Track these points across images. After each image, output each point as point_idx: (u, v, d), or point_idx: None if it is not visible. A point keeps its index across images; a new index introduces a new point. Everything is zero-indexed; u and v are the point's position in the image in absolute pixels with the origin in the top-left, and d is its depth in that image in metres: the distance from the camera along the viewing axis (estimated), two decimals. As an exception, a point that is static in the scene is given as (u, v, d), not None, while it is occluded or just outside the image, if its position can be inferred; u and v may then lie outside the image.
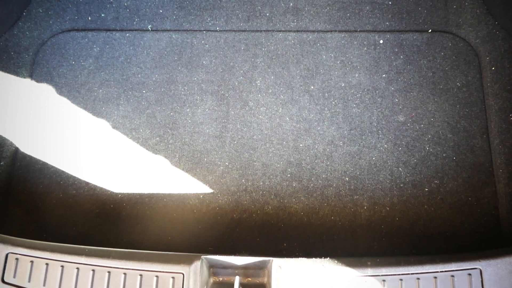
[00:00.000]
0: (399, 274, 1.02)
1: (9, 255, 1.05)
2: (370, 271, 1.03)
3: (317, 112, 1.42)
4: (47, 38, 1.53)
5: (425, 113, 1.41)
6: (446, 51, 1.48)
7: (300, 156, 1.37)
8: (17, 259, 1.05)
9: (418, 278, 1.02)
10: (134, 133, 1.42)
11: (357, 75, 1.46)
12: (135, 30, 1.53)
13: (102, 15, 1.56)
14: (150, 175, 1.37)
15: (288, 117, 1.42)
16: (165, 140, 1.41)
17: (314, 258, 1.06)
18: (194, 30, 1.53)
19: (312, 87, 1.45)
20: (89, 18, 1.56)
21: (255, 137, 1.40)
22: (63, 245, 1.09)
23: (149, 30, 1.53)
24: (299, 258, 1.07)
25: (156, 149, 1.40)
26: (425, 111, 1.41)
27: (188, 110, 1.44)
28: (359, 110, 1.42)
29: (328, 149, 1.38)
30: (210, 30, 1.53)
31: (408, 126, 1.39)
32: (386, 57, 1.48)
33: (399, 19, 1.52)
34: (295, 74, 1.47)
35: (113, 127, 1.43)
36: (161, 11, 1.56)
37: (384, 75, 1.45)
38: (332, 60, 1.48)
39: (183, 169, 1.37)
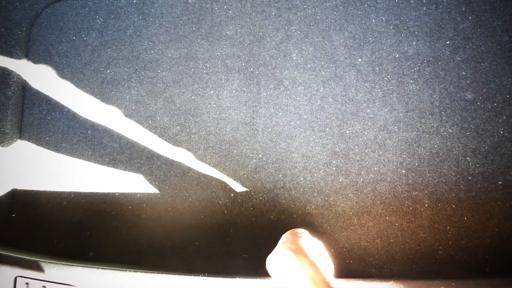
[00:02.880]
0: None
1: (18, 279, 0.91)
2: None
3: (366, 91, 1.18)
4: (41, 9, 1.29)
5: (499, 89, 1.15)
6: (526, 8, 1.19)
7: (347, 145, 1.16)
8: (27, 283, 0.91)
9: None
10: (150, 121, 1.22)
11: (414, 43, 1.19)
12: (144, -5, 1.28)
13: (103, -23, 1.30)
14: (171, 171, 1.19)
15: (332, 98, 1.18)
16: (187, 129, 1.21)
17: (374, 281, 0.90)
18: (214, -7, 1.26)
19: (360, 59, 1.20)
20: (88, -18, 1.31)
21: (292, 123, 1.18)
22: (73, 265, 0.94)
23: (160, -6, 1.27)
24: (355, 280, 0.91)
25: (177, 140, 1.20)
26: (499, 85, 1.15)
27: (211, 92, 1.22)
28: (417, 87, 1.17)
29: (380, 136, 1.15)
30: (234, -8, 1.26)
31: (478, 105, 1.15)
32: (451, 18, 1.20)
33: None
34: (338, 44, 1.21)
35: (126, 115, 1.23)
36: (172, -31, 1.28)
37: (448, 42, 1.18)
38: (384, 25, 1.21)
39: (209, 164, 1.18)
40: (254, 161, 1.17)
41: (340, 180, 1.15)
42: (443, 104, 1.16)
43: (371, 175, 1.14)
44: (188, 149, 1.20)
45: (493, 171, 1.11)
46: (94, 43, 1.27)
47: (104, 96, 1.24)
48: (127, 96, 1.24)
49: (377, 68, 1.19)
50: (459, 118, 1.15)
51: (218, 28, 1.25)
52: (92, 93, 1.24)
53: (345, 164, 1.15)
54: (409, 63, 1.18)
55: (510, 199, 1.10)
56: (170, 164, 1.19)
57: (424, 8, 1.21)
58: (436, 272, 1.05)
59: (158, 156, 1.20)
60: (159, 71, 1.24)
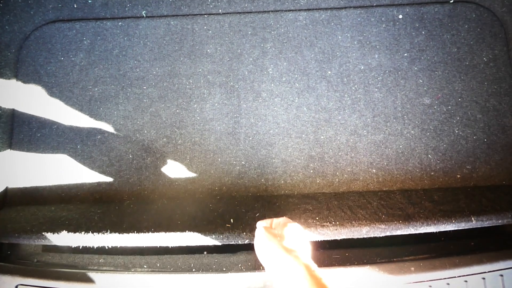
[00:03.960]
0: (445, 278, 0.95)
1: (19, 287, 0.95)
2: (415, 277, 0.96)
3: (336, 100, 1.30)
4: (29, 32, 1.36)
5: (452, 93, 1.31)
6: (470, 23, 1.36)
7: (322, 149, 1.27)
8: (27, 292, 0.95)
9: (466, 281, 0.95)
10: (138, 134, 1.29)
11: (376, 55, 1.34)
12: (128, 17, 1.37)
13: (89, 1, 1.39)
14: (159, 181, 1.25)
15: (306, 107, 1.30)
16: (173, 141, 1.29)
17: (354, 267, 0.99)
18: (194, 15, 1.37)
19: (329, 72, 1.32)
20: (75, 6, 1.39)
21: (271, 131, 1.29)
22: (73, 271, 0.99)
23: (144, 16, 1.37)
24: (337, 268, 1.00)
25: (164, 152, 1.28)
26: (452, 90, 1.31)
27: (195, 105, 1.31)
28: (381, 95, 1.31)
29: (351, 140, 1.27)
30: (212, 14, 1.37)
31: (434, 108, 1.29)
32: (407, 33, 1.35)
33: (418, -11, 1.39)
34: (309, 59, 1.34)
35: (115, 129, 1.29)
36: (155, -6, 1.39)
37: (406, 54, 1.33)
38: (349, 41, 1.35)
39: (195, 172, 1.26)
40: (238, 167, 1.26)
41: (318, 181, 1.25)
42: (404, 109, 1.29)
43: (345, 175, 1.25)
44: (175, 159, 1.27)
45: (452, 166, 1.25)
46: (82, 63, 1.34)
47: (92, 112, 1.31)
48: (115, 112, 1.31)
49: (345, 79, 1.32)
50: (419, 121, 1.28)
51: (199, 46, 1.35)
52: (81, 110, 1.31)
53: (321, 167, 1.26)
54: (373, 74, 1.32)
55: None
56: (158, 174, 1.26)
57: (383, 25, 1.36)
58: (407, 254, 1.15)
59: (147, 167, 1.27)
60: (145, 87, 1.32)
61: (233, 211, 1.10)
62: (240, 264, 1.08)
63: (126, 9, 1.38)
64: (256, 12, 1.37)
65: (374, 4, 1.38)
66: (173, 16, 1.37)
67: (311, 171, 1.25)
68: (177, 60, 1.34)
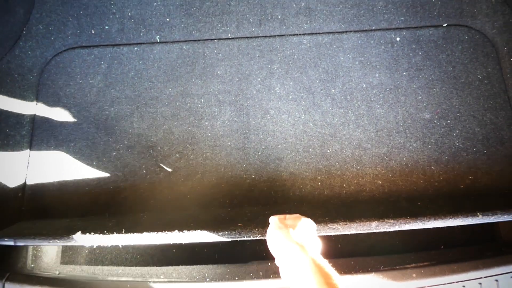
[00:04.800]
0: (445, 284, 0.99)
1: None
2: (416, 283, 0.99)
3: (341, 116, 1.37)
4: (50, 57, 1.45)
5: (450, 108, 1.38)
6: (464, 44, 1.45)
7: (329, 162, 1.32)
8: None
9: (463, 286, 0.99)
10: (151, 151, 1.35)
11: (377, 74, 1.42)
12: (143, 43, 1.46)
13: (106, 27, 1.49)
14: (172, 195, 1.30)
15: (312, 123, 1.37)
16: (186, 157, 1.34)
17: (359, 274, 1.02)
18: (205, 40, 1.47)
19: (333, 90, 1.40)
20: (92, 32, 1.49)
21: (279, 146, 1.34)
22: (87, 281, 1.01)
23: (158, 42, 1.47)
24: (343, 275, 1.03)
25: (176, 167, 1.33)
26: (450, 106, 1.38)
27: (206, 123, 1.37)
28: (383, 111, 1.38)
29: (356, 153, 1.33)
30: (222, 39, 1.47)
31: (435, 123, 1.36)
32: (405, 54, 1.44)
33: (414, 13, 1.49)
34: (314, 78, 1.42)
35: (129, 147, 1.35)
36: (168, 19, 1.49)
37: (404, 73, 1.42)
38: (351, 61, 1.44)
39: (207, 186, 1.31)
40: (248, 181, 1.31)
41: (326, 193, 1.29)
42: (406, 123, 1.36)
43: (352, 187, 1.30)
44: (187, 174, 1.32)
45: (455, 177, 1.30)
46: (99, 85, 1.42)
47: (108, 130, 1.37)
48: (130, 130, 1.37)
49: (348, 97, 1.39)
50: (421, 134, 1.35)
51: (210, 68, 1.43)
52: (97, 128, 1.37)
53: (328, 179, 1.31)
54: (374, 91, 1.40)
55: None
56: (171, 188, 1.31)
57: (382, 47, 1.45)
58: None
59: (160, 182, 1.31)
60: (158, 106, 1.39)
61: (245, 215, 1.14)
62: (252, 273, 1.11)
63: (141, 35, 1.47)
64: (263, 36, 1.47)
65: (373, 28, 1.48)
66: (185, 41, 1.47)
67: (319, 183, 1.30)
68: (189, 81, 1.42)
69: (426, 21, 1.47)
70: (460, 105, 1.38)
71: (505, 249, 1.16)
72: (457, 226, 1.04)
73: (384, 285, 1.00)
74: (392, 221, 1.01)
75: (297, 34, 1.47)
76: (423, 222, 1.00)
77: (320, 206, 1.21)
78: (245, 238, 1.03)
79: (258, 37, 1.47)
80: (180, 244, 1.15)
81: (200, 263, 1.15)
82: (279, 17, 1.49)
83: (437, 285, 0.98)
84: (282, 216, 0.86)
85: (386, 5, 1.49)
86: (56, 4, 1.51)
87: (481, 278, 0.98)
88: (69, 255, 1.32)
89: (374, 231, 1.04)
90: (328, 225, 1.03)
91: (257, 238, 1.02)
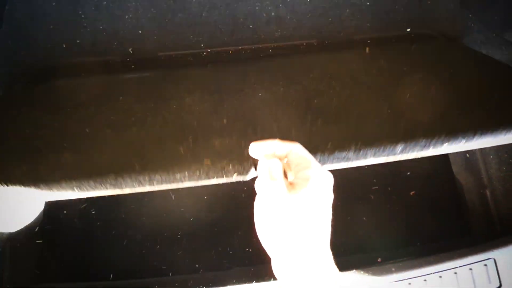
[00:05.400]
0: (422, 275, 1.06)
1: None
2: (396, 276, 1.06)
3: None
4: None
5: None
6: (427, 48, 1.53)
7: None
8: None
9: (440, 276, 1.06)
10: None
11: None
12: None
13: (77, 41, 1.48)
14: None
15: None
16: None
17: (342, 273, 1.08)
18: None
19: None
20: (64, 46, 1.48)
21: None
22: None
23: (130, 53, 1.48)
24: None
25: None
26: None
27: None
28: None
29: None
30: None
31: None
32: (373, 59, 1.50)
33: (379, 20, 1.55)
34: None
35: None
36: (140, 31, 1.49)
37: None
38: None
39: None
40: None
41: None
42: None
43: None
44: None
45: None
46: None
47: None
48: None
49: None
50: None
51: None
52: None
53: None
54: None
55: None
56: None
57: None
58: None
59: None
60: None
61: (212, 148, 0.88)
62: (235, 280, 1.16)
63: (113, 48, 1.48)
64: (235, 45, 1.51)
65: (341, 34, 1.53)
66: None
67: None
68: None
69: (390, 26, 1.54)
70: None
71: (477, 240, 1.25)
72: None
73: (365, 281, 1.05)
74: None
75: (268, 43, 1.51)
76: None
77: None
78: (215, 181, 0.79)
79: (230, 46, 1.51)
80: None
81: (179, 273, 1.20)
82: (251, 26, 1.52)
83: (416, 277, 1.05)
84: (270, 145, 0.55)
85: (352, 13, 1.55)
86: (25, 18, 1.49)
87: (456, 268, 1.06)
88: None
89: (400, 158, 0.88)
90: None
91: (234, 179, 0.81)
